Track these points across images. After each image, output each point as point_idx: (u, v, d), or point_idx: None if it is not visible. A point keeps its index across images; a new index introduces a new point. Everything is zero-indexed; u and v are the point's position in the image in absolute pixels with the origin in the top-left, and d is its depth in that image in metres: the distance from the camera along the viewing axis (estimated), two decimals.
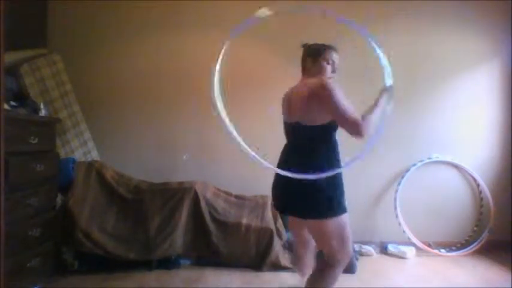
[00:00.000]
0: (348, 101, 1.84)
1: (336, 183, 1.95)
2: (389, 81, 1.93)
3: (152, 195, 3.15)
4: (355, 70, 3.69)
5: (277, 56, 3.61)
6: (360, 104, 1.97)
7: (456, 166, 3.71)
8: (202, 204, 3.11)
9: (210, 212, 3.13)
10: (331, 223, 1.91)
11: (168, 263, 3.06)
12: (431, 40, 3.68)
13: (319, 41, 2.23)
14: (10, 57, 2.88)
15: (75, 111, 3.45)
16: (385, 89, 2.00)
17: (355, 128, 1.75)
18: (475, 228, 3.67)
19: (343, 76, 3.66)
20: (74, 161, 3.18)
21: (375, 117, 1.82)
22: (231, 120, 1.89)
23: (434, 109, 3.70)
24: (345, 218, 1.95)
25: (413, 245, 3.55)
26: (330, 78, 2.05)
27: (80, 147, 3.40)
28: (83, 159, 3.33)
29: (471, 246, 3.57)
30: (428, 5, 3.65)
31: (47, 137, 2.73)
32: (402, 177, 3.64)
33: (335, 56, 2.12)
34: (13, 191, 2.28)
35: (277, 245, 3.10)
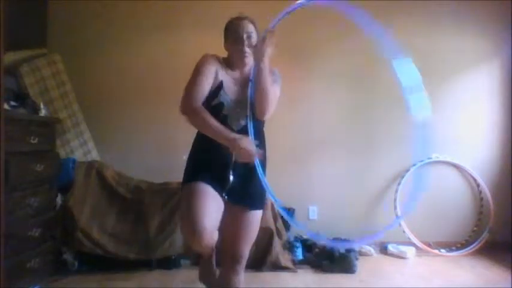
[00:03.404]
0: (205, 81, 1.68)
1: None
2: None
3: (152, 195, 3.15)
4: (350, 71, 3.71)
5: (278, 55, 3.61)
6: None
7: (456, 166, 3.70)
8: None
9: None
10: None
11: (168, 263, 3.05)
12: (431, 40, 3.68)
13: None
14: (10, 57, 2.88)
15: (75, 111, 3.44)
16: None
17: (181, 105, 1.67)
18: (475, 228, 3.66)
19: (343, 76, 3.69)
20: (74, 161, 3.18)
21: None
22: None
23: (434, 109, 3.68)
24: None
25: (413, 245, 3.54)
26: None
27: (80, 147, 3.40)
28: (83, 159, 3.32)
29: (471, 246, 3.56)
30: (428, 5, 3.65)
31: (47, 137, 2.73)
32: (402, 177, 3.63)
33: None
34: (13, 191, 2.28)
35: (277, 245, 3.10)
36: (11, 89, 2.80)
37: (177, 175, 3.39)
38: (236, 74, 1.79)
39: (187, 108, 1.66)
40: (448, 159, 3.67)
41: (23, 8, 3.10)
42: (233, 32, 1.74)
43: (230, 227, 1.79)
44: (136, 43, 3.64)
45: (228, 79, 1.76)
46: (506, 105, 3.70)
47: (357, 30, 3.72)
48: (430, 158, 3.65)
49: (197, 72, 1.72)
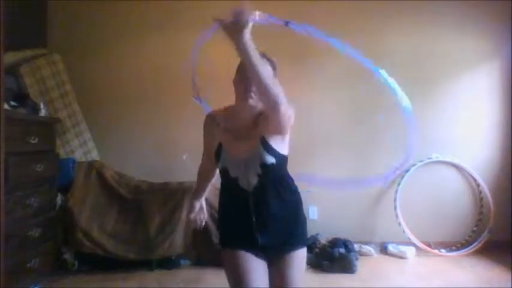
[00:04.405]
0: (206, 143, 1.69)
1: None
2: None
3: (152, 195, 3.15)
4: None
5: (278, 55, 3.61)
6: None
7: (456, 166, 3.70)
8: (202, 204, 3.11)
9: (210, 212, 3.13)
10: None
11: (168, 263, 3.06)
12: (431, 40, 3.68)
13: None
14: (10, 57, 2.88)
15: (75, 111, 3.45)
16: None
17: None
18: (475, 228, 3.66)
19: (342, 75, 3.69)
20: (74, 161, 3.18)
21: None
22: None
23: (434, 109, 3.70)
24: None
25: (413, 245, 3.54)
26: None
27: (80, 147, 3.40)
28: (83, 159, 3.33)
29: (471, 246, 3.56)
30: (428, 5, 3.65)
31: (47, 137, 2.73)
32: (402, 177, 3.63)
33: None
34: (13, 191, 2.28)
35: None
36: (11, 89, 2.80)
37: (177, 175, 3.44)
38: (238, 122, 1.56)
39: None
40: (448, 159, 3.67)
41: (23, 8, 3.10)
42: (244, 70, 1.42)
43: (277, 278, 1.56)
44: (136, 43, 3.64)
45: (229, 137, 1.56)
46: (506, 105, 3.70)
47: (357, 31, 3.76)
48: (430, 158, 3.65)
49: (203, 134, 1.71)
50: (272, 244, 1.54)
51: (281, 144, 1.56)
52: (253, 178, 1.51)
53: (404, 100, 1.73)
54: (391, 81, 1.72)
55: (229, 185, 1.59)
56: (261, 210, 1.52)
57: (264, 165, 1.50)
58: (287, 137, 1.60)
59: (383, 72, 1.69)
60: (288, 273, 1.54)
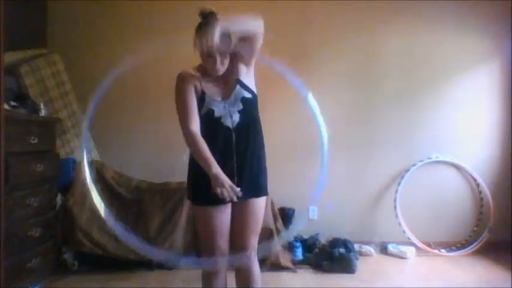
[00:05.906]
0: (191, 99, 1.73)
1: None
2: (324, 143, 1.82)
3: (152, 195, 3.15)
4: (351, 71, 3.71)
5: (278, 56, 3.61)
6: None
7: (456, 166, 3.70)
8: None
9: None
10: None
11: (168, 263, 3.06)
12: (431, 40, 3.68)
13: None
14: (10, 57, 2.88)
15: (75, 111, 3.44)
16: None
17: (181, 128, 1.71)
18: (475, 228, 3.66)
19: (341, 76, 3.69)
20: (74, 161, 3.18)
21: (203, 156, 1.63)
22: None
23: (434, 109, 3.70)
24: None
25: (413, 245, 3.54)
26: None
27: (80, 147, 3.40)
28: None
29: (471, 246, 3.56)
30: (428, 5, 3.65)
31: (47, 137, 2.73)
32: (402, 177, 3.63)
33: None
34: (13, 191, 2.28)
35: (277, 245, 3.10)
36: (11, 89, 2.80)
37: (177, 175, 3.43)
38: (214, 75, 1.78)
39: (185, 130, 1.70)
40: (448, 159, 3.67)
41: (23, 8, 3.10)
42: (205, 49, 1.66)
43: (237, 219, 1.81)
44: (136, 43, 3.63)
45: (210, 85, 1.78)
46: (506, 105, 3.70)
47: (356, 31, 3.75)
48: (430, 158, 3.65)
49: (180, 94, 1.78)
50: (243, 188, 1.66)
51: (251, 82, 1.82)
52: (236, 115, 1.74)
53: (324, 133, 1.85)
54: (316, 108, 1.76)
55: (212, 127, 1.74)
56: (242, 150, 1.73)
57: (244, 99, 1.75)
58: (252, 73, 1.84)
59: (310, 96, 1.83)
60: (252, 219, 1.80)
